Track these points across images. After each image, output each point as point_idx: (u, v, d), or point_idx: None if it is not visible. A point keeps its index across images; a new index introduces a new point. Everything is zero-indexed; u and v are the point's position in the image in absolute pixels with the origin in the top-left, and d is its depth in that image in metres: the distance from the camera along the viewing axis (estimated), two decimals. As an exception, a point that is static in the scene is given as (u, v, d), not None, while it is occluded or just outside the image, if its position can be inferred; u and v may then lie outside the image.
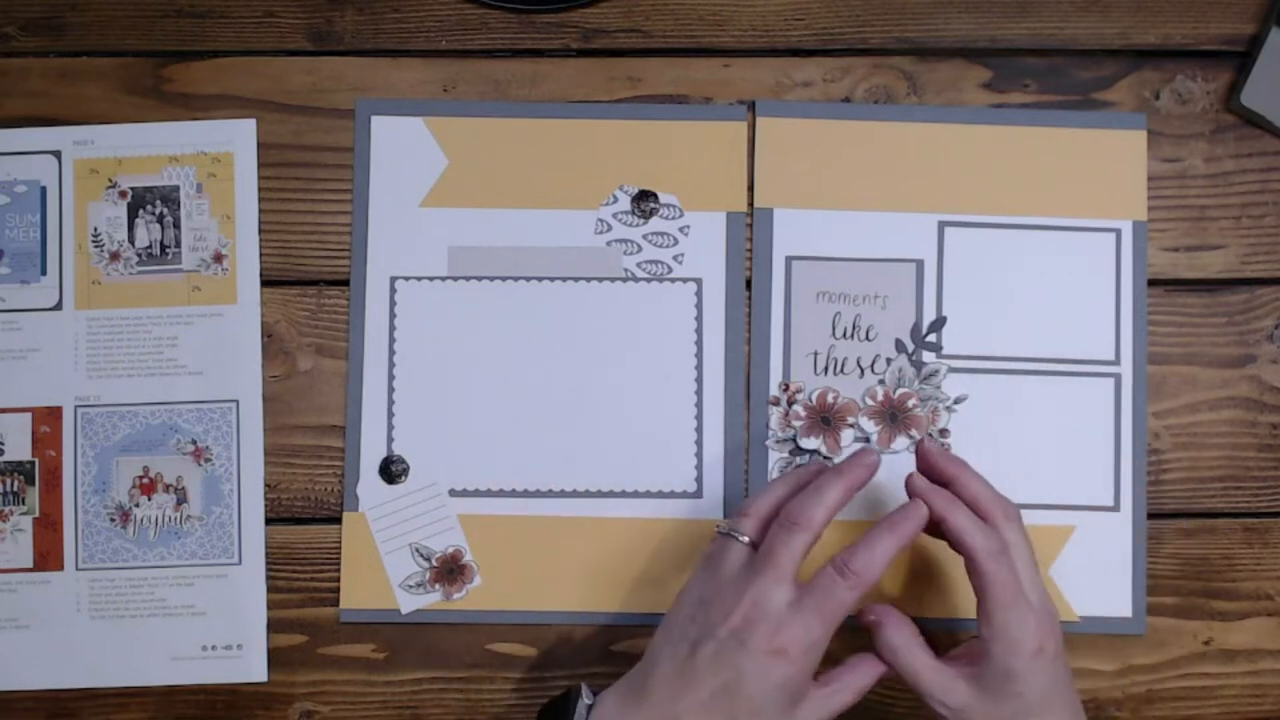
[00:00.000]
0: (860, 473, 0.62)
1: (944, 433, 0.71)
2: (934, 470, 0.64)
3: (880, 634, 0.62)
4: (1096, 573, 0.71)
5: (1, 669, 0.71)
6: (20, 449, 0.72)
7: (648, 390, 0.72)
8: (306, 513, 0.72)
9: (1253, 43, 0.73)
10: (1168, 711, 0.72)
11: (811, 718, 0.60)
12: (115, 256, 0.72)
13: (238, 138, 0.72)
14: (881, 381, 0.72)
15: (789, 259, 0.72)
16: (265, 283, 0.72)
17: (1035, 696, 0.59)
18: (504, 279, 0.72)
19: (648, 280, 0.72)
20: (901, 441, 0.71)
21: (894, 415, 0.72)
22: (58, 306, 0.72)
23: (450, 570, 0.71)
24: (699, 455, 0.72)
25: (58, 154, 0.72)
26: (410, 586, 0.71)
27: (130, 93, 0.73)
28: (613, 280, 0.72)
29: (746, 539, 0.62)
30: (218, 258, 0.72)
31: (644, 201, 0.72)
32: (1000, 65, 0.73)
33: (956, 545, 0.61)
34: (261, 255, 0.72)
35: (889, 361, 0.72)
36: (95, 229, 0.72)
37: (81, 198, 0.72)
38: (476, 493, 0.71)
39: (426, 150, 0.73)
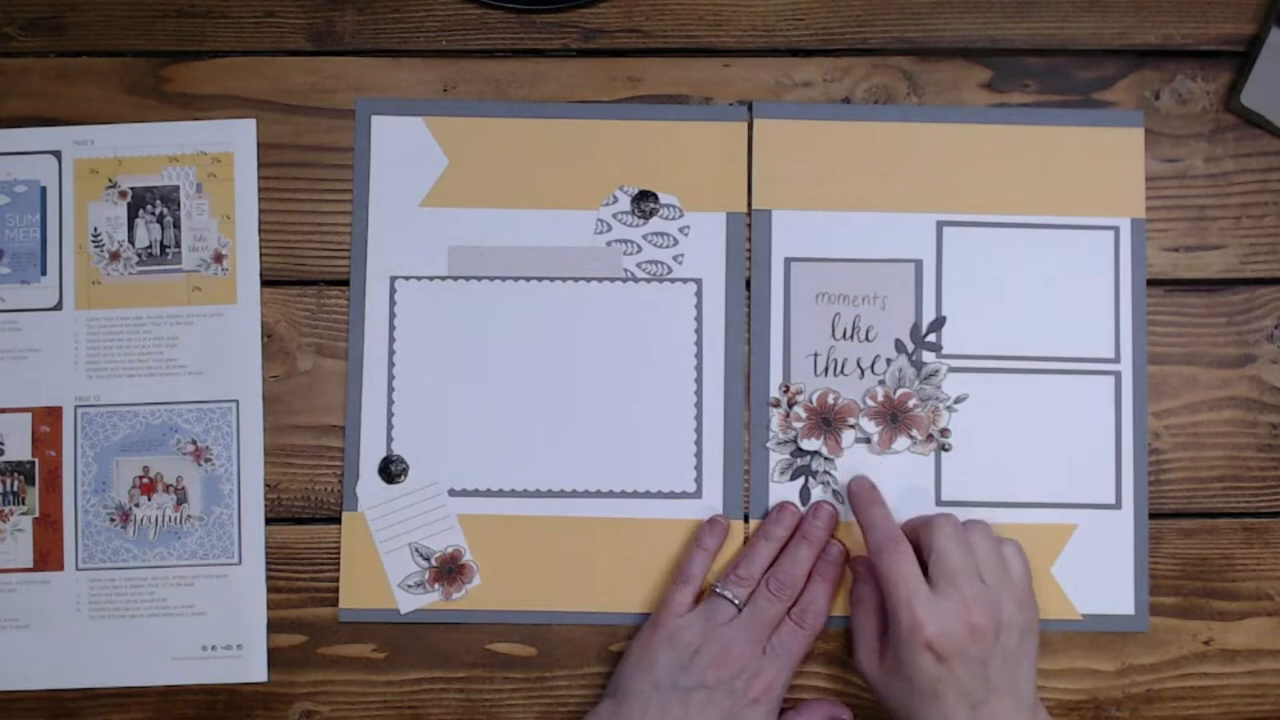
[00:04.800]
0: (823, 533, 0.70)
1: (944, 432, 0.71)
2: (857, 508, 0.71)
3: (855, 586, 0.70)
4: (1099, 570, 0.71)
5: (1, 669, 0.71)
6: (20, 449, 0.72)
7: (647, 390, 0.72)
8: (306, 513, 0.72)
9: (1253, 43, 0.73)
10: (1168, 711, 0.72)
11: None
12: (115, 256, 0.72)
13: (238, 138, 0.72)
14: (882, 382, 0.72)
15: (788, 260, 0.72)
16: (265, 283, 0.72)
17: (923, 685, 0.64)
18: (504, 279, 0.72)
19: (648, 280, 0.72)
20: (903, 442, 0.71)
21: (894, 416, 0.72)
22: (58, 306, 0.72)
23: (449, 570, 0.71)
24: (698, 456, 0.72)
25: (58, 154, 0.72)
26: (409, 586, 0.71)
27: (130, 93, 0.73)
28: (612, 280, 0.72)
29: (739, 602, 0.68)
30: (218, 258, 0.72)
31: (644, 202, 0.72)
32: (1000, 65, 0.73)
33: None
34: (261, 255, 0.72)
35: (889, 362, 0.72)
36: (95, 229, 0.72)
37: (81, 198, 0.72)
38: (476, 492, 0.71)
39: (426, 150, 0.73)
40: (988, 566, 0.66)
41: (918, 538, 0.68)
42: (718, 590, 0.68)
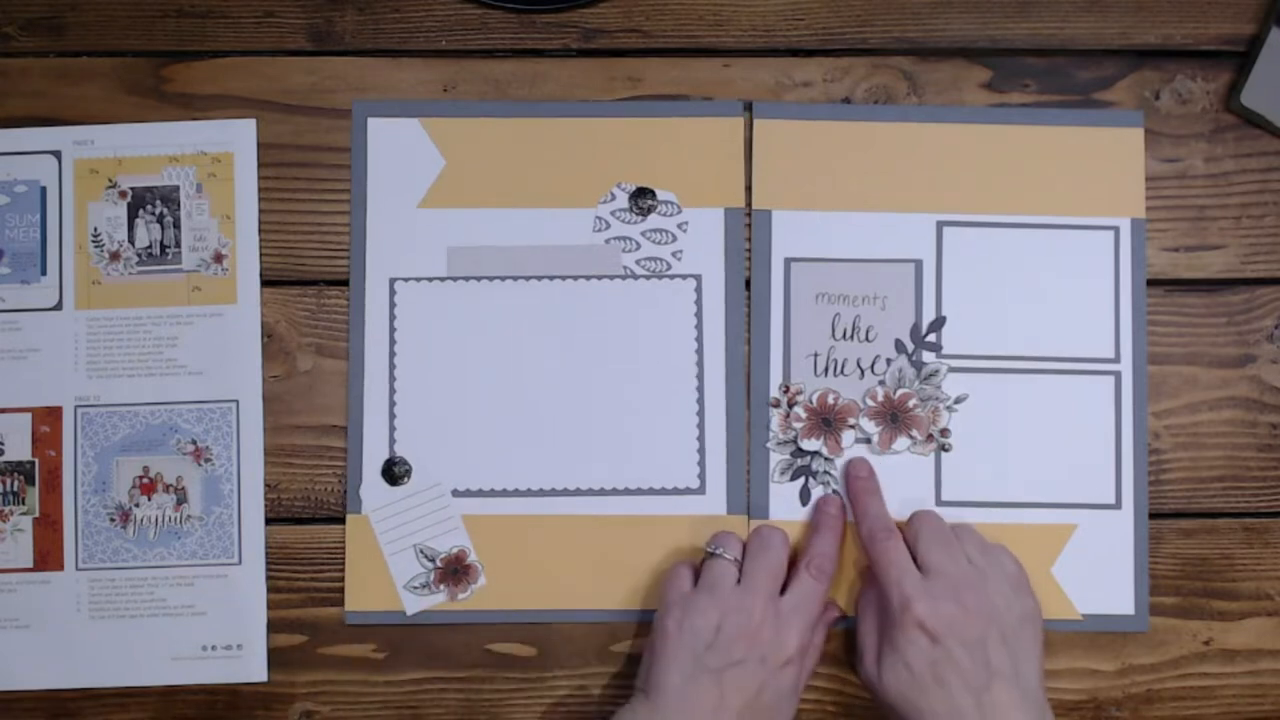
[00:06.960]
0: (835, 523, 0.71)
1: (944, 432, 0.72)
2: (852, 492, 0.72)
3: (862, 593, 0.70)
4: (1099, 570, 0.71)
5: (1, 669, 0.71)
6: (20, 449, 0.71)
7: (649, 386, 0.72)
8: (306, 513, 0.72)
9: (1253, 43, 0.73)
10: (1168, 711, 0.72)
11: (801, 690, 0.68)
12: (115, 256, 0.72)
13: (238, 138, 0.72)
14: (882, 382, 0.72)
15: (788, 260, 0.72)
16: (265, 283, 0.72)
17: (923, 671, 0.63)
18: (503, 279, 0.72)
19: (647, 277, 0.72)
20: (903, 442, 0.71)
21: (894, 416, 0.72)
22: (58, 306, 0.72)
23: (455, 571, 0.71)
24: (701, 451, 0.72)
25: (58, 154, 0.72)
26: (415, 588, 0.71)
27: (130, 93, 0.73)
28: (612, 278, 0.72)
29: (733, 557, 0.68)
30: (218, 258, 0.72)
31: (642, 198, 0.72)
32: (1000, 65, 0.73)
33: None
34: (261, 255, 0.72)
35: (889, 362, 0.72)
36: (95, 229, 0.72)
37: (81, 198, 0.72)
38: (480, 493, 0.71)
39: (423, 151, 0.73)
40: (975, 551, 0.67)
41: (905, 537, 0.68)
42: (711, 551, 0.68)
